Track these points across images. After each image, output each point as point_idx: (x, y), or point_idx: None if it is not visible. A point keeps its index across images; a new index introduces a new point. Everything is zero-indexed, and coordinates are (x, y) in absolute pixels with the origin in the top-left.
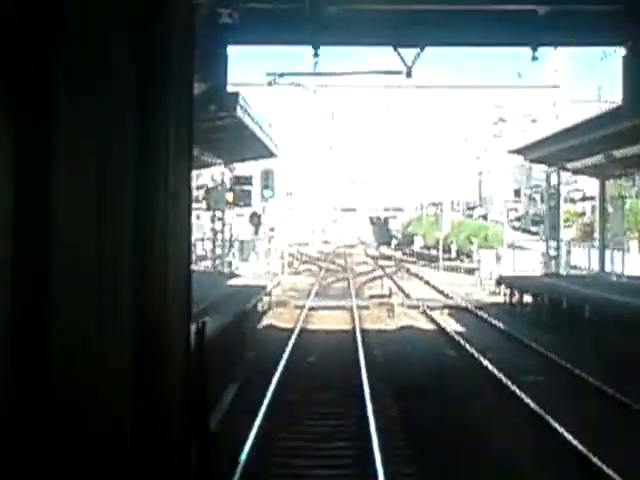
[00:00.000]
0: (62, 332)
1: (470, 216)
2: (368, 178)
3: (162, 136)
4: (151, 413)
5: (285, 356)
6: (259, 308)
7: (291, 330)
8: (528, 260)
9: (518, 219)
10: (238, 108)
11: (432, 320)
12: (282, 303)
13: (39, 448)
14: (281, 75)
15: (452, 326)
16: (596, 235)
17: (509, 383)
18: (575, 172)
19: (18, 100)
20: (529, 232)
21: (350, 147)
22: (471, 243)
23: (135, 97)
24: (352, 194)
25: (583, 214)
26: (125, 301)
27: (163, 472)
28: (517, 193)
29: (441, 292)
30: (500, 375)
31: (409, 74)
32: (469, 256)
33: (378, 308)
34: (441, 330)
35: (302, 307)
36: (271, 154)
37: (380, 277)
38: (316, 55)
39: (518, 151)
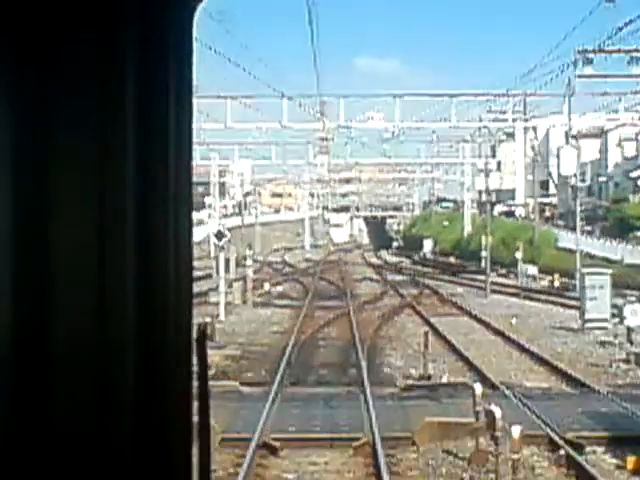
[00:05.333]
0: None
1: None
2: (364, 171)
3: (162, 135)
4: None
5: None
6: None
7: None
8: None
9: (561, 216)
10: None
11: None
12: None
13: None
14: None
15: None
16: None
17: None
18: None
19: (16, 96)
20: (586, 233)
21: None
22: (508, 249)
23: (135, 96)
24: (345, 191)
25: None
26: (126, 301)
27: None
28: (544, 185)
29: (539, 359)
30: None
31: None
32: (505, 266)
33: (435, 440)
34: None
35: (246, 441)
36: None
37: (399, 308)
38: None
39: None
